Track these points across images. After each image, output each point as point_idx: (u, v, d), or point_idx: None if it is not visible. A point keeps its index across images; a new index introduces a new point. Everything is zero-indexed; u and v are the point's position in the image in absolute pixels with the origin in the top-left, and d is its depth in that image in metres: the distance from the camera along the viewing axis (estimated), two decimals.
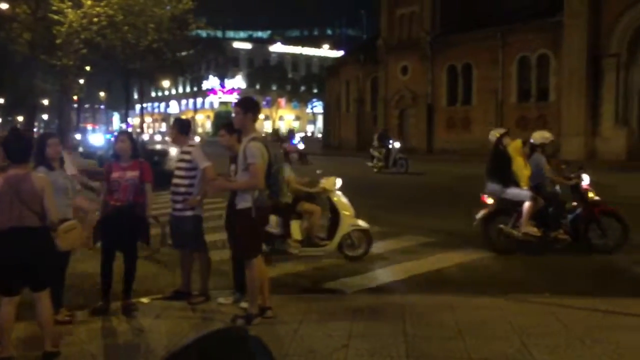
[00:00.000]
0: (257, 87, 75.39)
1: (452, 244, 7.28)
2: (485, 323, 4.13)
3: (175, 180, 4.85)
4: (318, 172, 7.12)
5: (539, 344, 3.70)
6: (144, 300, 4.85)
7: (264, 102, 77.20)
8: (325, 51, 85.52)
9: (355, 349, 3.70)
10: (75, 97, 31.76)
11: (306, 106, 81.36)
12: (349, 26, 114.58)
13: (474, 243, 7.31)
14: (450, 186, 15.62)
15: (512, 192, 6.75)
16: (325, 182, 6.49)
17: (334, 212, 6.43)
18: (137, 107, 47.47)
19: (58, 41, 20.58)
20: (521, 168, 6.90)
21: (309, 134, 73.65)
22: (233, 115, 4.56)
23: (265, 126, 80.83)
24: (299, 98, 78.30)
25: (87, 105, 67.90)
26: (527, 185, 6.80)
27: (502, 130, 7.50)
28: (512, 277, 5.80)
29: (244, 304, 4.47)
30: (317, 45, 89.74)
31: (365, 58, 34.94)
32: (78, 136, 28.27)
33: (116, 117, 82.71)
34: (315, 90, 74.99)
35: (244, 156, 4.22)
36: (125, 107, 31.08)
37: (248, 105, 4.39)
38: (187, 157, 4.82)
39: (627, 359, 3.50)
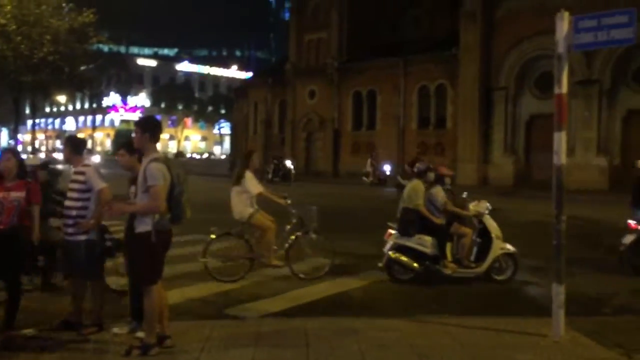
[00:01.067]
0: (162, 105, 73.35)
1: (356, 267, 7.39)
2: (387, 346, 4.20)
3: (68, 203, 4.55)
4: (464, 195, 7.06)
5: None
6: (28, 331, 4.45)
7: (169, 122, 75.27)
8: (234, 72, 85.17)
9: None
10: None
11: (213, 127, 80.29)
12: (258, 48, 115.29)
13: (377, 265, 7.48)
14: (352, 208, 15.94)
15: None
16: (476, 205, 6.63)
17: (484, 235, 6.51)
18: (29, 122, 44.41)
19: None
20: None
21: (208, 155, 72.56)
22: (133, 134, 4.37)
23: (170, 146, 78.72)
24: (206, 118, 77.12)
25: None
26: None
27: None
28: (414, 299, 5.97)
29: (140, 334, 4.23)
30: (226, 65, 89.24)
31: (273, 81, 35.20)
32: None
33: (4, 132, 76.81)
34: (223, 111, 74.27)
35: (144, 178, 4.04)
36: (14, 123, 28.94)
37: (146, 125, 4.22)
38: (80, 177, 4.53)
39: None
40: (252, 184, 6.63)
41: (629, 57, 21.10)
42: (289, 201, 6.73)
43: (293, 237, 6.70)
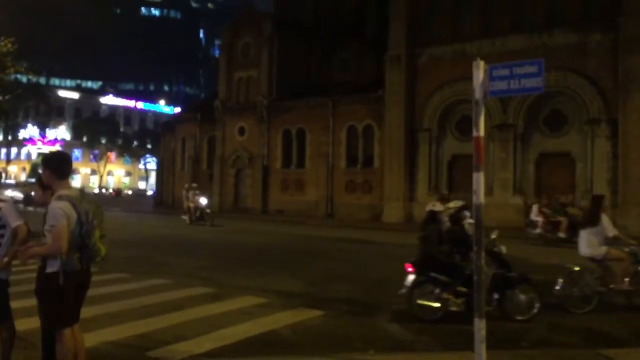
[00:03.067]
0: (84, 139, 70.63)
1: (284, 304, 7.33)
2: None
3: None
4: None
5: None
6: None
7: (91, 156, 72.47)
8: (161, 107, 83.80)
9: None
10: None
11: (138, 162, 78.08)
12: (187, 84, 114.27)
13: (304, 302, 7.46)
14: (278, 245, 15.86)
15: None
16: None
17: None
18: None
19: None
20: None
21: (127, 191, 70.24)
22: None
23: (91, 180, 75.54)
24: (131, 153, 74.87)
25: None
26: None
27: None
28: (342, 335, 5.97)
29: None
30: (153, 100, 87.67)
31: (202, 117, 34.92)
32: None
33: None
34: (149, 146, 72.46)
35: (47, 218, 3.88)
36: None
37: (48, 162, 4.06)
38: None
39: None
40: (609, 226, 7.53)
41: (540, 104, 22.69)
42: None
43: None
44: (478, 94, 4.51)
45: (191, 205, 22.55)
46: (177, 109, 51.99)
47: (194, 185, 24.47)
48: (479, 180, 4.47)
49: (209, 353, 5.17)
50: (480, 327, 4.46)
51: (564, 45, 21.54)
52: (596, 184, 21.35)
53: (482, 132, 4.52)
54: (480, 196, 4.47)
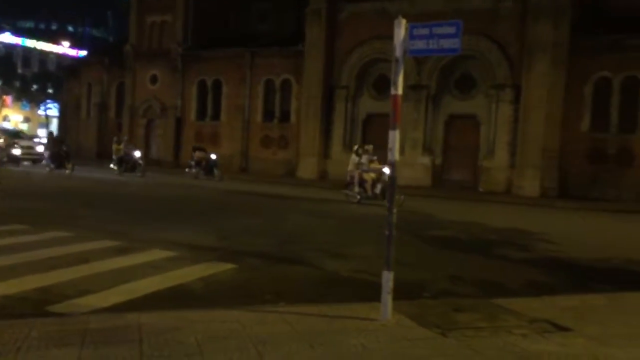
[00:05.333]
0: None
1: (196, 257, 7.23)
2: (225, 337, 4.15)
3: None
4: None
5: (273, 352, 3.87)
6: None
7: None
8: (65, 49, 77.97)
9: None
10: None
11: (38, 107, 72.70)
12: (94, 26, 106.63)
13: (217, 255, 7.40)
14: (190, 199, 15.60)
15: None
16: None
17: None
18: None
19: None
20: None
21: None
22: None
23: None
24: (30, 97, 69.40)
25: None
26: None
27: None
28: (254, 288, 5.99)
29: None
30: (56, 41, 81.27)
31: (111, 62, 32.94)
32: None
33: None
34: (50, 91, 67.55)
35: None
36: None
37: None
38: None
39: (347, 359, 3.89)
40: None
41: (453, 67, 23.44)
42: None
43: None
44: (398, 52, 4.53)
45: (122, 155, 23.03)
46: (83, 52, 48.59)
47: (125, 138, 25.08)
48: (395, 138, 4.55)
49: (114, 307, 5.01)
50: (388, 278, 4.63)
51: (479, 10, 22.18)
52: (498, 145, 22.63)
53: (400, 91, 4.57)
54: (395, 154, 4.56)
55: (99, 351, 3.76)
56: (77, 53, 62.39)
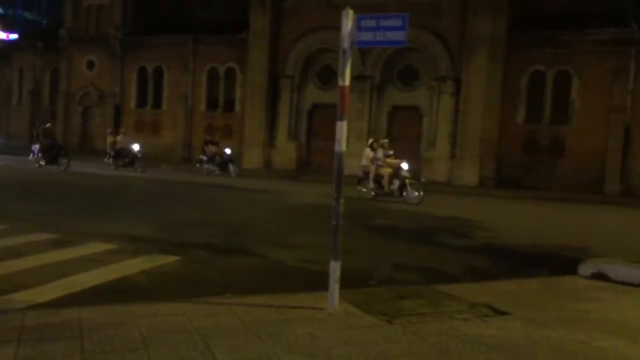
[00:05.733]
0: None
1: (138, 250, 7.05)
2: (170, 330, 4.08)
3: None
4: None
5: (221, 344, 3.84)
6: None
7: None
8: None
9: None
10: None
11: None
12: (26, 8, 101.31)
13: (160, 247, 7.24)
14: (133, 189, 15.20)
15: None
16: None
17: None
18: None
19: None
20: None
21: None
22: None
23: None
24: None
25: None
26: None
27: None
28: (199, 280, 5.91)
29: None
30: None
31: (44, 46, 31.44)
32: None
33: None
34: None
35: None
36: None
37: None
38: None
39: (295, 348, 3.91)
40: None
41: (396, 59, 23.79)
42: None
43: None
44: (346, 43, 4.55)
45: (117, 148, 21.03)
46: (15, 36, 46.07)
47: (123, 129, 23.03)
48: (342, 129, 4.58)
49: (52, 302, 4.82)
50: (335, 268, 4.68)
51: (421, 4, 22.55)
52: (439, 136, 23.21)
53: (347, 82, 4.60)
54: (342, 144, 4.59)
55: (37, 348, 3.61)
56: (8, 36, 59.09)
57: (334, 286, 4.69)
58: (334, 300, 4.70)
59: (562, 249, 8.89)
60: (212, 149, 21.56)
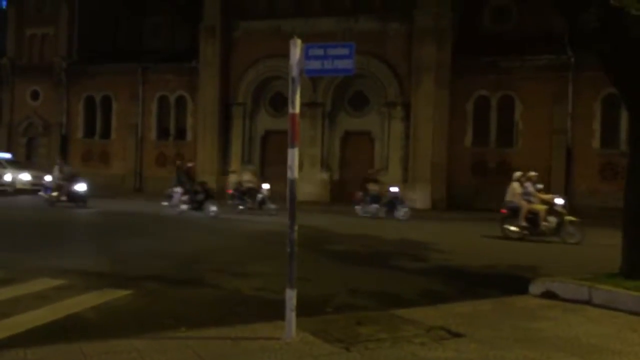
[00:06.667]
0: None
1: (86, 285, 6.79)
2: None
3: None
4: None
5: None
6: None
7: None
8: None
9: None
10: None
11: None
12: None
13: (110, 282, 7.01)
14: (82, 222, 14.75)
15: None
16: None
17: None
18: None
19: None
20: None
21: None
22: None
23: None
24: None
25: None
26: None
27: None
28: (152, 314, 5.73)
29: None
30: None
31: None
32: None
33: None
34: None
35: None
36: None
37: None
38: None
39: None
40: None
41: (346, 85, 24.20)
42: None
43: None
44: (295, 71, 4.61)
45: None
46: None
47: (251, 167, 20.60)
48: (294, 155, 4.61)
49: None
50: (291, 296, 4.65)
51: (368, 32, 23.14)
52: (391, 161, 23.60)
53: (297, 110, 4.65)
54: (294, 171, 4.62)
55: None
56: None
57: (291, 315, 4.65)
58: (291, 329, 4.66)
59: (514, 269, 9.13)
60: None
